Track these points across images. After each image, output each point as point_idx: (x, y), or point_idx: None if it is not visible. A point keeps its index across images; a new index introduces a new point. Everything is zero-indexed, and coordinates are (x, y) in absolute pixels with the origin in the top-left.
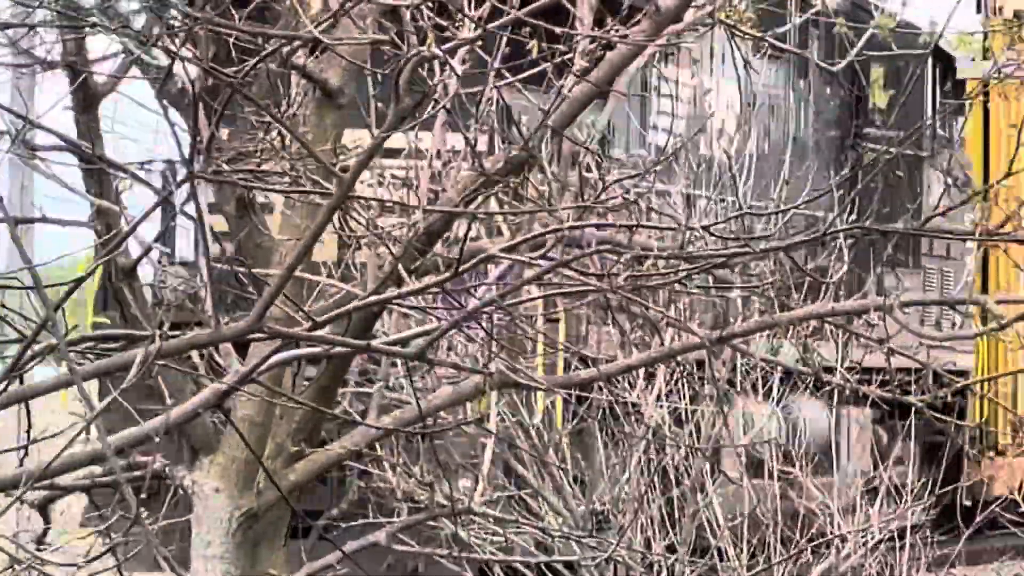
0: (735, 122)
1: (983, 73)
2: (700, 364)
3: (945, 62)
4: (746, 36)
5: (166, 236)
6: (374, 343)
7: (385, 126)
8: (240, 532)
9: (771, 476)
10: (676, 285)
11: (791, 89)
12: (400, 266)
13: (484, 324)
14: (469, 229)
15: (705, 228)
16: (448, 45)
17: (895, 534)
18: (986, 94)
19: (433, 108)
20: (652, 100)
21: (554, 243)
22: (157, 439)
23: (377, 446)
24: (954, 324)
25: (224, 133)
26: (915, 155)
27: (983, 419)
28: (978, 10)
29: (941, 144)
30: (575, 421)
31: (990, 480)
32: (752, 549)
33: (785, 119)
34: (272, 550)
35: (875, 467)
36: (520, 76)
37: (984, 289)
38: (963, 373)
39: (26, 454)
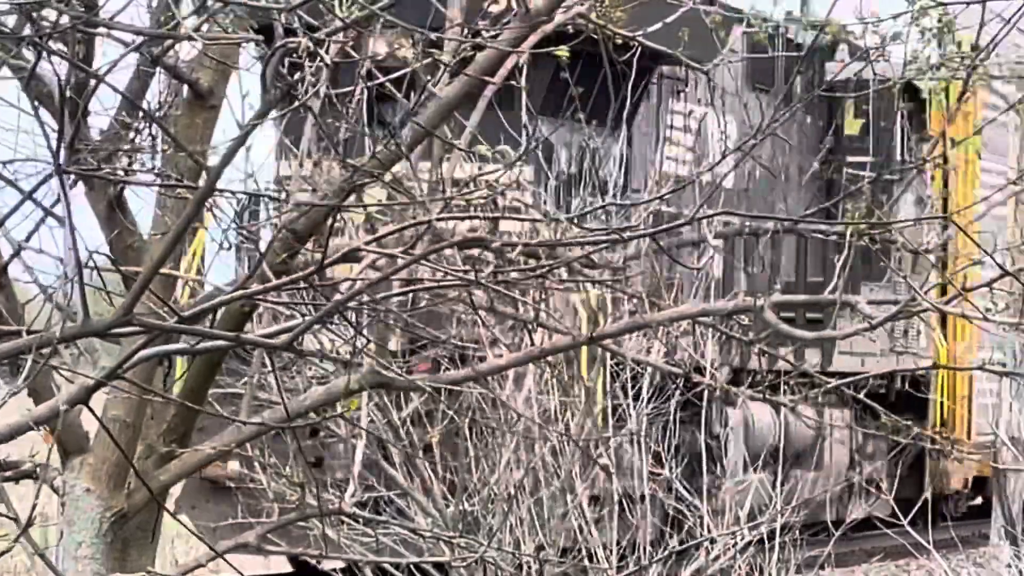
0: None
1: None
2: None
3: (912, 92)
4: (616, 35)
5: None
6: (242, 335)
7: (253, 116)
8: (111, 532)
9: (641, 477)
10: (541, 279)
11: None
12: (265, 264)
13: (351, 318)
14: (335, 223)
15: (570, 219)
16: (317, 35)
17: (765, 536)
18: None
19: (303, 98)
20: (664, 132)
21: (420, 236)
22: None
23: (248, 447)
24: (919, 332)
25: (95, 134)
26: (887, 179)
27: (941, 418)
28: (939, 44)
29: (908, 169)
30: (445, 421)
31: (946, 475)
32: (622, 550)
33: (772, 147)
34: (142, 552)
35: (851, 463)
36: (392, 76)
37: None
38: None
39: None
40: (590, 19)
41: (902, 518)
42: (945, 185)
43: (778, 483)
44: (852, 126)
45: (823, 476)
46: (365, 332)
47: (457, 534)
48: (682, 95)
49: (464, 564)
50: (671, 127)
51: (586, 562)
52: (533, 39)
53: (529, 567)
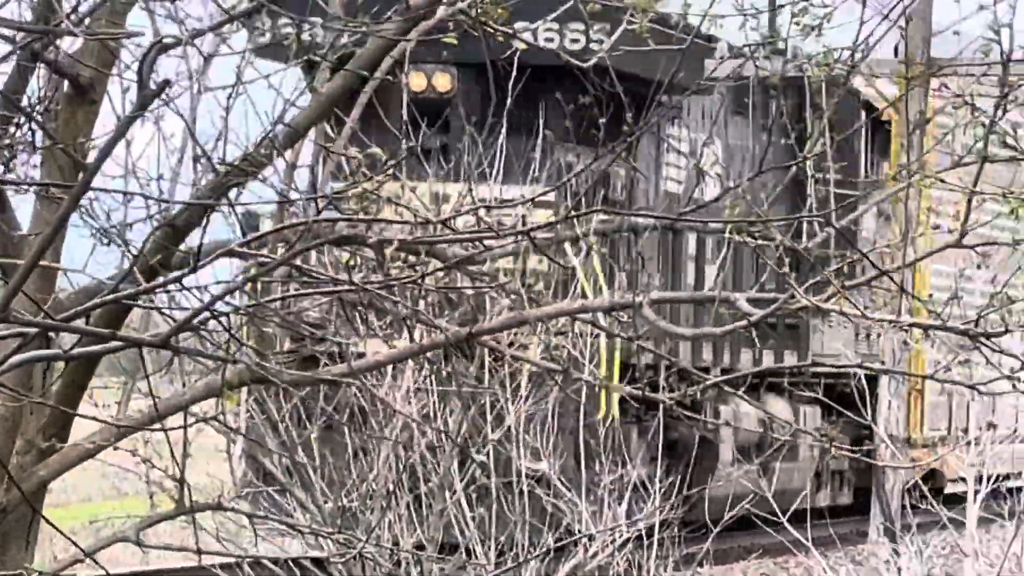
0: (719, 168)
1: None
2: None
3: (872, 111)
4: (497, 33)
5: None
6: (119, 333)
7: (131, 111)
8: None
9: (519, 474)
10: (419, 281)
11: (756, 141)
12: (140, 262)
13: (227, 316)
14: (208, 223)
15: (443, 222)
16: (192, 30)
17: (643, 532)
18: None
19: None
20: (662, 155)
21: (299, 236)
22: None
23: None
24: (879, 335)
25: None
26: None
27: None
28: (895, 54)
29: (870, 184)
30: (324, 418)
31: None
32: (500, 547)
33: (751, 165)
34: (20, 550)
35: (822, 456)
36: (274, 72)
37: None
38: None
39: None
40: (469, 15)
41: (777, 513)
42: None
43: (656, 479)
44: (819, 147)
45: (798, 466)
46: (245, 329)
47: (336, 530)
48: (676, 121)
49: (342, 560)
50: (668, 150)
51: (464, 558)
52: (413, 35)
53: (408, 563)
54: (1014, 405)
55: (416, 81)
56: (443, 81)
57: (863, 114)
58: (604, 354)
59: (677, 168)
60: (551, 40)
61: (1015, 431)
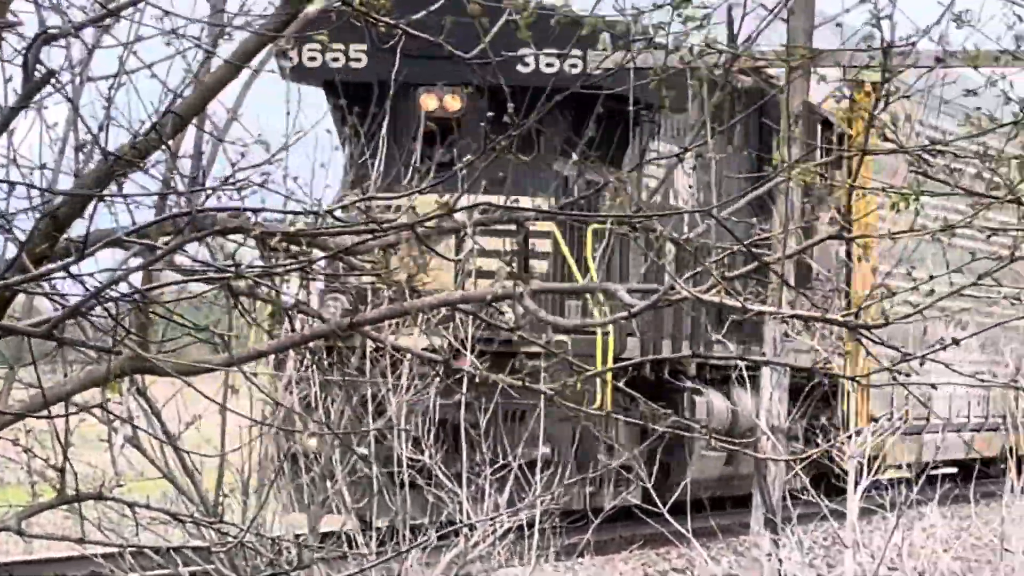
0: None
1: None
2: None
3: (827, 124)
4: (379, 23)
5: None
6: (2, 323)
7: (16, 100)
8: None
9: (400, 463)
10: (306, 269)
11: (724, 151)
12: (25, 252)
13: (112, 306)
14: (95, 212)
15: (329, 211)
16: (77, 22)
17: (525, 522)
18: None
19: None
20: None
21: (184, 226)
22: None
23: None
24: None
25: None
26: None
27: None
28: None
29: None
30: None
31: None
32: (381, 536)
33: (717, 174)
34: None
35: (787, 443)
36: (157, 61)
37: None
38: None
39: None
40: (353, 6)
41: (658, 504)
42: (848, 202)
43: (538, 470)
44: (783, 154)
45: (763, 454)
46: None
47: (218, 519)
48: (656, 136)
49: (224, 549)
50: (649, 162)
51: (345, 547)
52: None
53: (288, 552)
54: (950, 393)
55: (428, 101)
56: (453, 101)
57: (819, 127)
58: (599, 348)
59: (657, 180)
60: (551, 66)
61: (894, 421)
